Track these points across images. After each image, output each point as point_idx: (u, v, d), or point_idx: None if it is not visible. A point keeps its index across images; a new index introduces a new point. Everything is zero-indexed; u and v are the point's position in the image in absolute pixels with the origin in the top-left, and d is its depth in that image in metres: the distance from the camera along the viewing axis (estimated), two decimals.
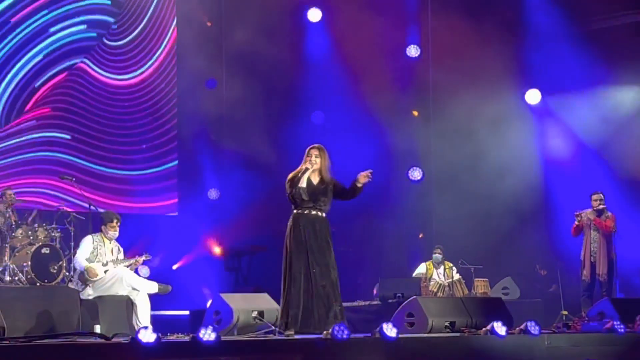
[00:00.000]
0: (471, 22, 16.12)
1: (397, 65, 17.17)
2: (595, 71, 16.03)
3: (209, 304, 14.64)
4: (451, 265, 15.62)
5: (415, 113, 17.39)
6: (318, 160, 10.24)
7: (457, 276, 15.54)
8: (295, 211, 10.20)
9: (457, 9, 16.46)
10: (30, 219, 13.93)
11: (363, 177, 10.31)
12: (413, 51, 17.26)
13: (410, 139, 17.11)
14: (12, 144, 16.68)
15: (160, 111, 18.11)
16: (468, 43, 16.19)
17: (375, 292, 14.50)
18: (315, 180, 10.22)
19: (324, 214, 10.26)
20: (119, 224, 12.53)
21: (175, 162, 18.03)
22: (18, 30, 16.76)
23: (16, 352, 7.90)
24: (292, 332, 9.55)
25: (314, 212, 10.17)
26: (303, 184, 10.13)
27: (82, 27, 17.52)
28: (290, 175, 10.21)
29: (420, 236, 17.07)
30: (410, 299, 10.82)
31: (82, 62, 17.51)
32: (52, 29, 17.13)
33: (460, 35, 16.25)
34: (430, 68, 17.09)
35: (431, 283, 15.34)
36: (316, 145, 10.40)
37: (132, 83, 17.98)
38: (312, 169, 10.18)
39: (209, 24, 18.16)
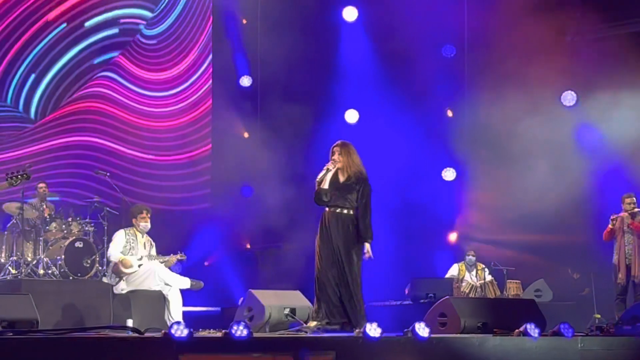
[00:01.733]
0: (507, 19, 16.00)
1: (432, 64, 17.09)
2: None
3: (240, 301, 14.69)
4: (483, 266, 15.57)
5: (450, 113, 17.32)
6: (341, 157, 10.18)
7: (489, 277, 15.49)
8: (323, 209, 10.20)
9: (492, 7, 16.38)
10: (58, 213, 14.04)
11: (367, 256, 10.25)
12: (449, 50, 17.19)
13: (445, 139, 17.03)
14: (47, 138, 16.81)
15: (194, 108, 18.19)
16: (503, 40, 16.09)
17: (406, 291, 14.47)
18: (342, 177, 10.17)
19: (350, 211, 10.17)
20: (149, 214, 12.55)
21: (209, 159, 18.09)
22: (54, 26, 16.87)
23: (49, 345, 7.93)
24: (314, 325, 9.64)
25: (338, 210, 10.11)
26: (325, 185, 10.12)
27: (117, 23, 17.61)
28: (318, 177, 10.20)
29: (453, 236, 17.01)
30: (442, 299, 10.77)
31: (118, 57, 17.60)
32: (87, 24, 17.23)
33: (495, 33, 16.17)
34: (466, 67, 17.02)
35: (463, 284, 15.30)
36: (338, 142, 10.36)
37: (167, 79, 18.07)
38: (334, 168, 10.15)
39: (244, 21, 18.18)
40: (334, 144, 10.34)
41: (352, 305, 9.94)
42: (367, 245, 10.16)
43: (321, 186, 10.11)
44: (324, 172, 10.15)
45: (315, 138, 16.95)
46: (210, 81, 18.31)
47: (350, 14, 17.79)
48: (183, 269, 13.54)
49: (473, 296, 14.89)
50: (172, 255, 12.57)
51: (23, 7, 16.65)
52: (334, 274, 9.95)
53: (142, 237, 12.58)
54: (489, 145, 16.68)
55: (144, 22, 18.02)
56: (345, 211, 10.14)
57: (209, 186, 18.05)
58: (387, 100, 17.03)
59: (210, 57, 18.29)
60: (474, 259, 15.53)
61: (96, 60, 17.49)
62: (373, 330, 8.79)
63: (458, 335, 9.49)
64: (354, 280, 10.04)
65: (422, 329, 9.18)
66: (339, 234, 10.05)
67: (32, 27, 16.75)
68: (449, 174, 17.17)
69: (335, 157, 10.18)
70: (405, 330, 9.36)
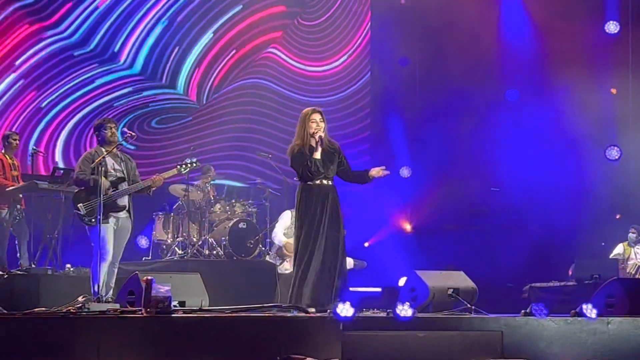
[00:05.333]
0: None
1: (594, 42, 16.71)
2: None
3: (401, 281, 14.70)
4: None
5: (614, 91, 16.90)
6: (322, 125, 9.62)
7: None
8: (306, 182, 9.64)
9: None
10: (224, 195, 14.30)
11: (376, 172, 9.84)
12: (612, 27, 16.75)
13: (608, 118, 16.65)
14: (210, 121, 17.14)
15: (354, 89, 18.27)
16: None
17: (570, 272, 14.23)
18: (325, 148, 9.63)
19: (332, 183, 9.71)
20: None
21: (367, 140, 18.14)
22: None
23: (218, 323, 8.11)
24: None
25: (325, 182, 9.65)
26: (318, 155, 9.58)
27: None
28: (296, 148, 9.58)
29: (618, 217, 16.61)
30: (610, 279, 10.55)
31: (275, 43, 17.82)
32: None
33: None
34: (630, 44, 16.56)
35: (629, 264, 14.95)
36: (317, 108, 9.77)
37: (327, 62, 18.24)
38: (323, 136, 9.56)
39: (402, 2, 18.12)
40: (312, 109, 9.72)
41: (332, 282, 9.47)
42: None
43: (314, 157, 9.54)
44: (308, 140, 9.54)
45: (476, 117, 16.83)
46: (369, 58, 18.40)
47: None
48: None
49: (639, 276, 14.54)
50: None
51: None
52: (320, 250, 9.50)
53: None
54: None
55: (305, 6, 18.19)
56: (330, 182, 9.72)
57: (368, 166, 18.08)
58: (548, 78, 16.75)
59: (369, 38, 18.34)
60: (634, 236, 15.14)
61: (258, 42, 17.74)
62: (539, 310, 8.78)
63: (627, 317, 9.28)
64: (340, 256, 9.61)
65: (589, 310, 9.06)
66: (328, 206, 9.60)
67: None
68: (613, 153, 16.77)
69: (319, 124, 9.59)
70: (573, 311, 9.25)
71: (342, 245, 9.66)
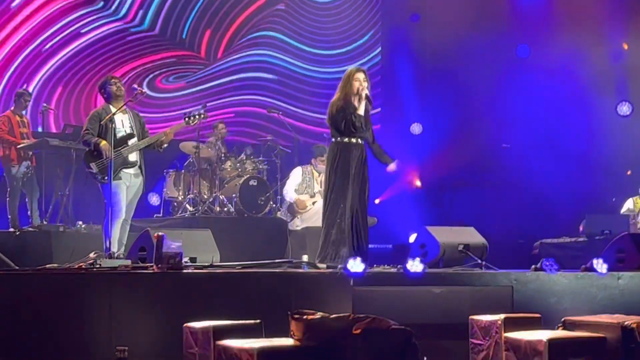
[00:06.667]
0: None
1: None
2: None
3: (411, 238, 14.72)
4: None
5: (626, 46, 16.80)
6: (366, 84, 9.55)
7: None
8: (343, 139, 9.58)
9: None
10: (243, 155, 14.29)
11: (392, 166, 9.94)
12: None
13: (619, 73, 16.56)
14: (222, 78, 17.12)
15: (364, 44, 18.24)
16: None
17: (581, 228, 14.21)
18: (367, 108, 9.63)
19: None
20: None
21: (378, 97, 18.10)
22: None
23: (229, 279, 8.16)
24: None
25: (361, 142, 9.62)
26: (361, 110, 9.54)
27: None
28: (340, 103, 9.52)
29: (628, 173, 16.56)
30: (621, 234, 10.54)
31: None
32: None
33: None
34: None
35: (639, 219, 14.91)
36: (361, 68, 9.82)
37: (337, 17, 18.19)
38: (366, 96, 9.52)
39: None
40: (357, 68, 9.77)
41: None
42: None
43: (358, 112, 9.50)
44: (356, 99, 9.51)
45: (486, 72, 16.77)
46: (380, 14, 18.36)
47: None
48: None
49: None
50: None
51: None
52: (352, 210, 9.52)
53: (319, 175, 12.74)
54: None
55: None
56: (363, 142, 9.69)
57: (378, 122, 18.05)
58: (559, 33, 16.66)
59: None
60: None
61: None
62: (549, 266, 8.83)
63: (637, 272, 9.30)
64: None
65: (600, 265, 9.08)
66: (363, 166, 9.62)
67: None
68: (624, 109, 16.70)
69: (362, 82, 9.53)
70: (583, 266, 9.28)
71: (367, 208, 9.70)
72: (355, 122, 9.47)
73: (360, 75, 9.59)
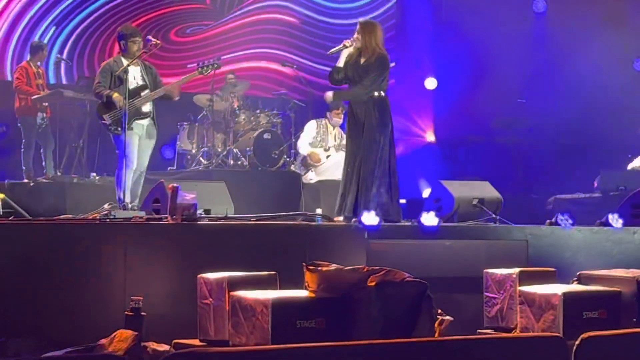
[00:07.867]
0: None
1: None
2: None
3: (425, 193, 14.70)
4: None
5: None
6: (359, 37, 9.44)
7: None
8: (381, 94, 9.56)
9: None
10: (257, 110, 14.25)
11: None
12: None
13: (637, 29, 16.41)
14: (234, 32, 17.03)
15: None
16: None
17: (595, 184, 14.16)
18: (361, 59, 9.44)
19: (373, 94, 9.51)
20: (344, 111, 12.60)
21: (393, 51, 17.97)
22: None
23: (243, 231, 8.14)
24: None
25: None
26: (340, 63, 9.46)
27: None
28: (381, 54, 9.48)
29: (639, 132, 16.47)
30: (636, 190, 10.50)
31: None
32: None
33: None
34: None
35: None
36: (360, 20, 9.80)
37: None
38: (349, 46, 9.41)
39: None
40: (379, 23, 9.82)
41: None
42: None
43: (337, 64, 9.48)
44: (339, 47, 9.51)
45: (502, 28, 16.63)
46: None
47: None
48: None
49: None
50: None
51: None
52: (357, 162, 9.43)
53: (334, 129, 12.71)
54: None
55: None
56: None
57: (392, 77, 17.95)
58: None
59: None
60: None
61: None
62: (564, 220, 8.82)
63: None
64: None
65: (615, 220, 9.06)
66: (364, 117, 9.47)
67: None
68: None
69: (355, 35, 9.46)
70: (598, 221, 9.26)
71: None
72: (332, 74, 9.54)
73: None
